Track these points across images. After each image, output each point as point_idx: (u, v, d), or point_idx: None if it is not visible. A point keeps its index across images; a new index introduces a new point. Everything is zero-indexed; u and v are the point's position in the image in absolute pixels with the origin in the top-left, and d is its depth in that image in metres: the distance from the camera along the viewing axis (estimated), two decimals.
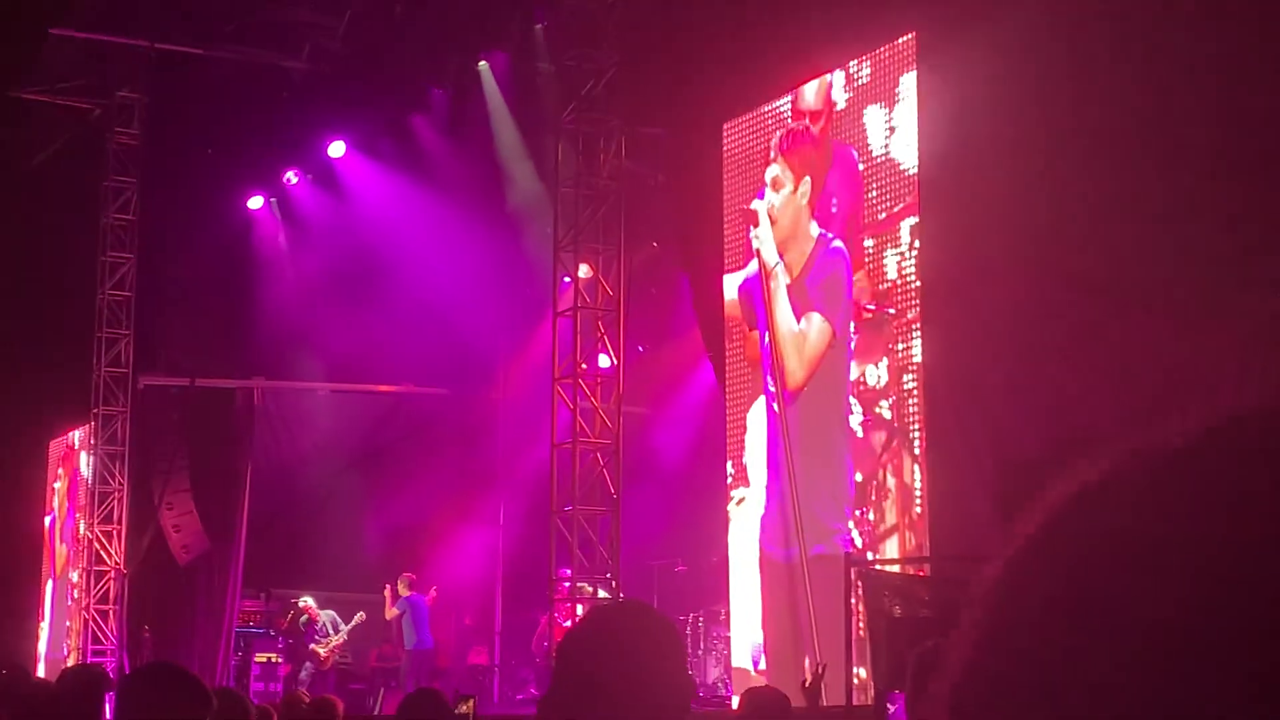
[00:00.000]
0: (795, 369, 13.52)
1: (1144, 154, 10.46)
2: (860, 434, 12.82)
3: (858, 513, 12.75)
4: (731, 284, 14.72)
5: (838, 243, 13.29)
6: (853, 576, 10.55)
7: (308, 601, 20.76)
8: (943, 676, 0.66)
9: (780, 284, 13.71)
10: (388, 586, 19.48)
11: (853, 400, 12.94)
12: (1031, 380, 11.34)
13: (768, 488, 13.92)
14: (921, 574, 11.64)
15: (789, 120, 14.14)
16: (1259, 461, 0.63)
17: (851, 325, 13.03)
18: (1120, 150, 10.63)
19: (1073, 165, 10.96)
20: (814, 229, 13.57)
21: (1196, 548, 0.61)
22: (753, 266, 14.30)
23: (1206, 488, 0.64)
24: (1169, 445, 0.67)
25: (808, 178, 13.66)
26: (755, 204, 14.12)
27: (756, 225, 14.02)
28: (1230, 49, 9.89)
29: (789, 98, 14.17)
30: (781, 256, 13.90)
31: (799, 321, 13.56)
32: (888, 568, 11.93)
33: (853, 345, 13.01)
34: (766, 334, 13.83)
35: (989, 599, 0.66)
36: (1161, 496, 0.64)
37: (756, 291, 14.14)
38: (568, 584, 15.92)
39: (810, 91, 13.87)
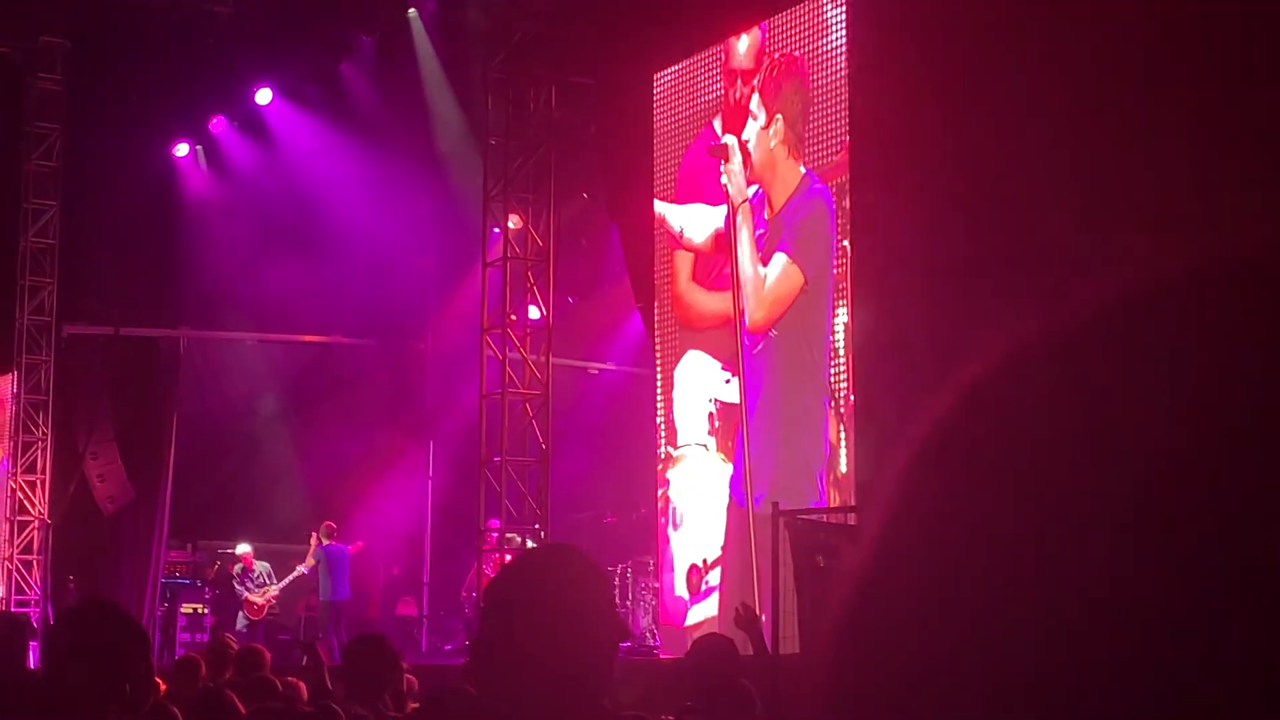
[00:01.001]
0: (754, 310, 13.41)
1: (1079, 110, 10.51)
2: None
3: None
4: (673, 212, 14.61)
5: (820, 185, 13.19)
6: (780, 527, 10.61)
7: (245, 549, 20.62)
8: (837, 586, 0.64)
9: (745, 222, 13.56)
10: (313, 535, 19.41)
11: None
12: (960, 340, 11.39)
13: (736, 435, 13.88)
14: (849, 525, 11.71)
15: (719, 72, 14.09)
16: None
17: (834, 272, 12.90)
18: (1056, 108, 10.67)
19: (1007, 124, 10.99)
20: (800, 169, 13.42)
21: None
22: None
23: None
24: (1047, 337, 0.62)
25: (780, 116, 13.53)
26: (728, 138, 13.96)
27: (728, 160, 13.83)
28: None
29: (719, 48, 14.13)
30: (762, 188, 13.79)
31: (765, 263, 13.47)
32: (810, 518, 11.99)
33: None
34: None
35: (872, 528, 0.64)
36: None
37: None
38: (496, 534, 15.92)
39: (742, 48, 13.76)
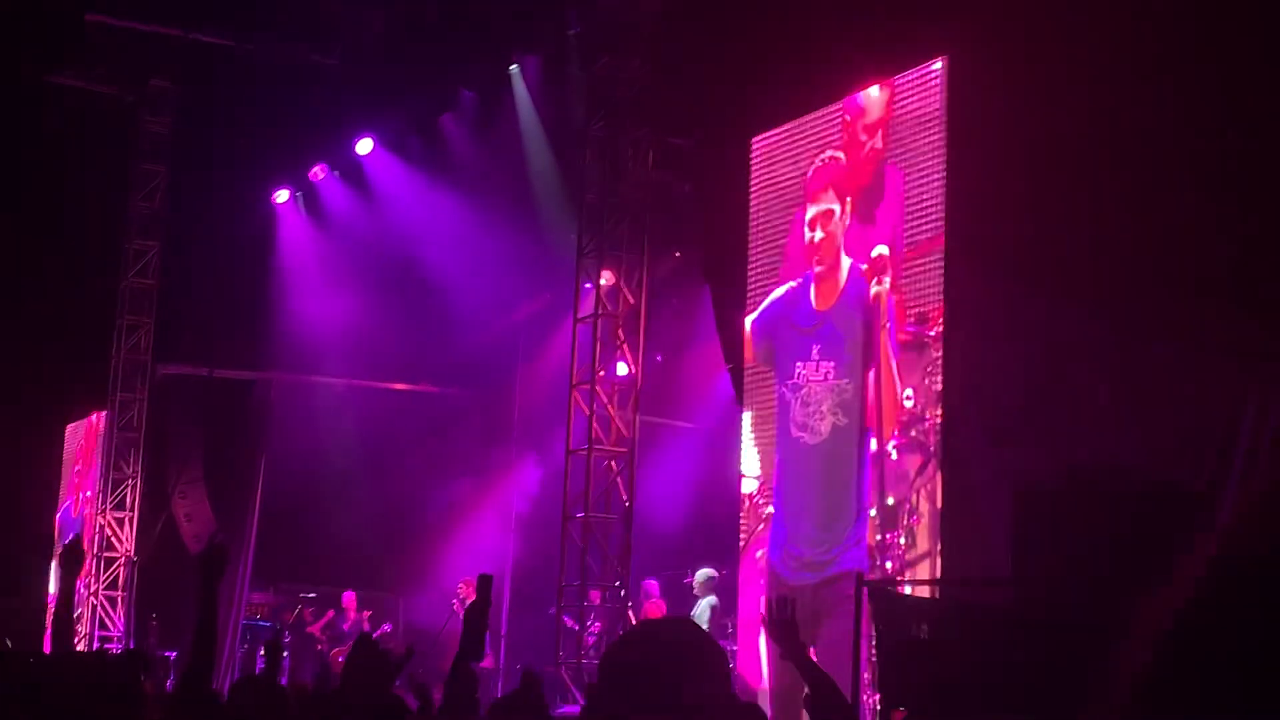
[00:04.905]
0: (889, 421, 13.20)
1: (1174, 181, 10.44)
2: (895, 456, 12.71)
3: (883, 536, 12.66)
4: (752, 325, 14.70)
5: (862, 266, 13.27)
6: (863, 596, 10.52)
7: (350, 595, 20.68)
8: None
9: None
10: (459, 595, 19.08)
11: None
12: (1049, 408, 11.33)
13: (783, 503, 13.86)
14: (930, 596, 11.61)
15: (824, 149, 14.09)
16: None
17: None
18: (1148, 177, 10.60)
19: (1100, 194, 10.94)
20: (845, 260, 13.54)
21: None
22: (776, 294, 14.36)
23: None
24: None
25: (849, 199, 13.62)
26: (817, 236, 13.97)
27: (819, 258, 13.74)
28: (1264, 79, 9.86)
29: (818, 114, 14.14)
30: (818, 285, 13.87)
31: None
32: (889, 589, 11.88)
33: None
34: (871, 371, 13.39)
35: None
36: None
37: (781, 329, 14.20)
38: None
39: (873, 101, 13.60)
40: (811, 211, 14.01)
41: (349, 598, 20.65)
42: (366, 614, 20.61)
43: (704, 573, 16.30)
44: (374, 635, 20.09)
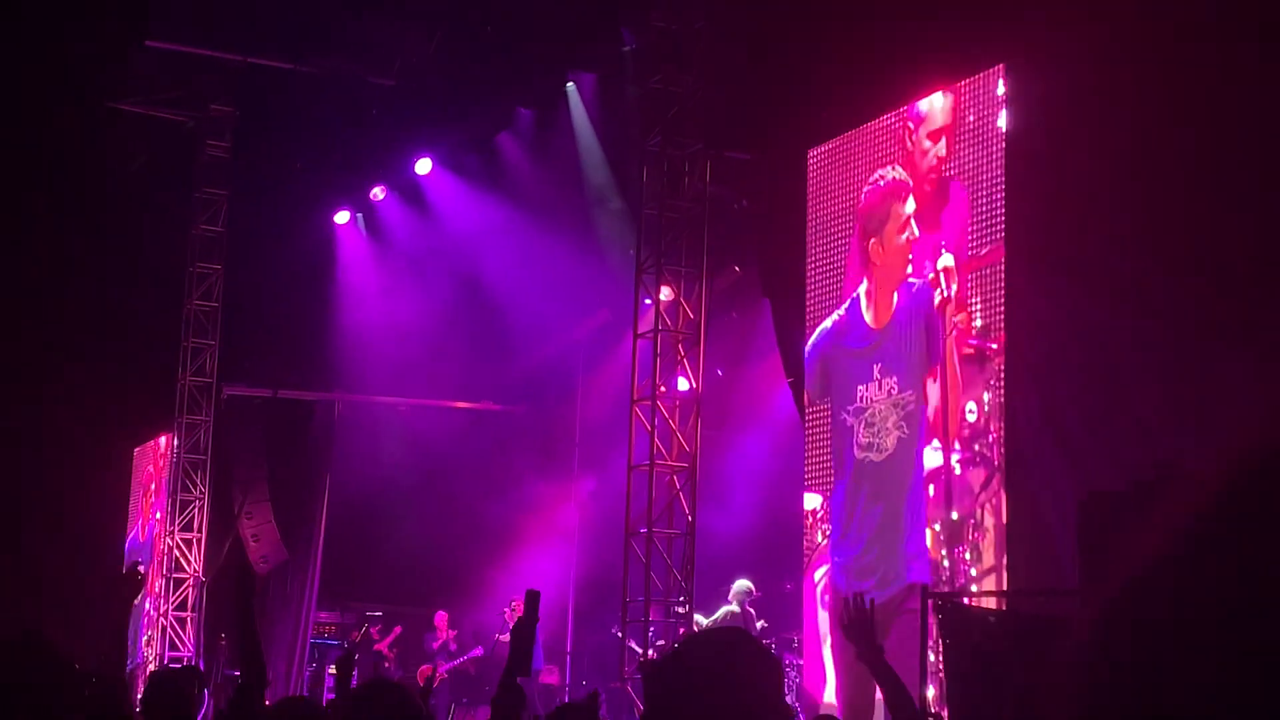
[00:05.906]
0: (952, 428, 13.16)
1: (1235, 187, 10.34)
2: (958, 471, 12.61)
3: (949, 551, 12.59)
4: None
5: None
6: (929, 607, 10.46)
7: (441, 613, 20.80)
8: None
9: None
10: (508, 609, 19.29)
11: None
12: (1112, 412, 11.24)
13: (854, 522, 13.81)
14: (997, 608, 11.52)
15: (881, 158, 14.03)
16: None
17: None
18: (1212, 185, 10.51)
19: (1162, 202, 10.85)
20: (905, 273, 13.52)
21: None
22: (824, 326, 14.33)
23: None
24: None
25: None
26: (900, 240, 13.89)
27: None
28: None
29: (873, 125, 14.09)
30: (870, 302, 13.81)
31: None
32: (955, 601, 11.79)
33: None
34: (936, 374, 13.29)
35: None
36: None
37: (836, 358, 14.16)
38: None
39: (935, 109, 13.42)
40: (878, 228, 13.88)
41: (440, 617, 20.76)
42: (453, 634, 20.72)
43: (741, 583, 16.31)
44: (464, 658, 20.24)
